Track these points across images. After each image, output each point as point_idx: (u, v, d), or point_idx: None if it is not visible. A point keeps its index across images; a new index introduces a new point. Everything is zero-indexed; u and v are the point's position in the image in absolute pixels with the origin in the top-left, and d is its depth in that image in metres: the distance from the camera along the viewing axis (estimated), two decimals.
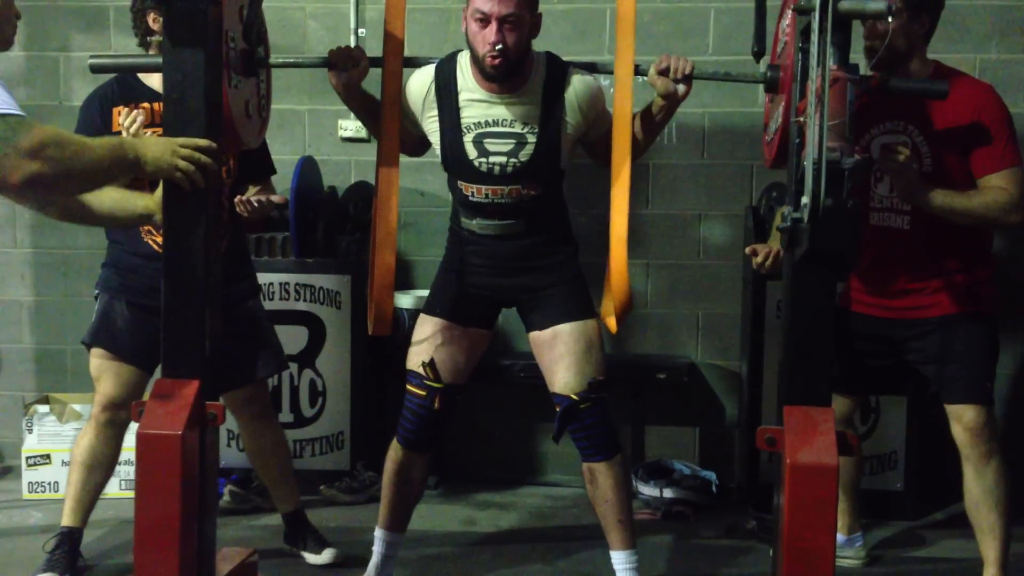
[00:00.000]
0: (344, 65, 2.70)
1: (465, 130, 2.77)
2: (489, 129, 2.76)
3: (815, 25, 2.17)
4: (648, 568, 3.05)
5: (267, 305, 3.59)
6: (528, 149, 2.75)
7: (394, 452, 2.92)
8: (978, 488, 2.86)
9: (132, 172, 2.28)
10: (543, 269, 2.87)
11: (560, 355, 2.82)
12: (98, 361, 3.12)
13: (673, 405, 4.18)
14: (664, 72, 2.66)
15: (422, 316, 2.94)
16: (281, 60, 2.87)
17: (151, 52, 3.10)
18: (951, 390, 2.90)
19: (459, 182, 2.84)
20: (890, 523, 3.70)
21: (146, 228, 3.08)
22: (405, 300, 3.94)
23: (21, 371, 4.41)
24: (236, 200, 3.12)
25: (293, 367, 3.91)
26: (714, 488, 3.96)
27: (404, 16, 2.73)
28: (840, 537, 3.11)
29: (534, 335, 2.89)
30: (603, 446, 2.83)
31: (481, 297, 2.90)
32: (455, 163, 2.81)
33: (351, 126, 4.24)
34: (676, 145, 4.16)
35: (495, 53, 2.64)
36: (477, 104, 2.76)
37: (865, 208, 2.90)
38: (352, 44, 4.14)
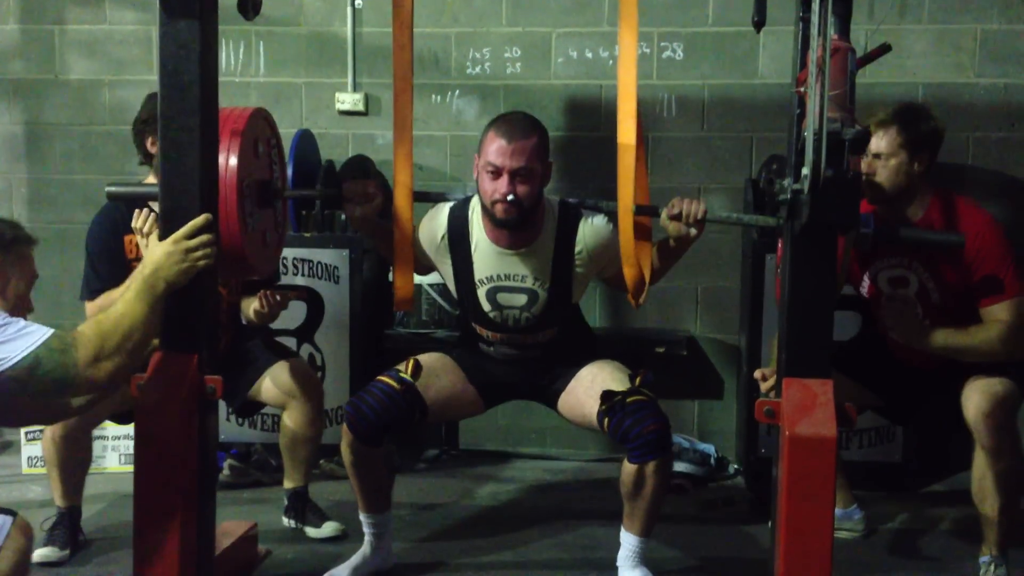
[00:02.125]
0: (359, 200, 2.73)
1: (478, 284, 2.81)
2: (502, 283, 2.80)
3: None
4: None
5: None
6: (541, 303, 2.81)
7: (346, 442, 2.82)
8: (983, 472, 2.79)
9: (165, 297, 2.34)
10: (563, 370, 2.91)
11: (588, 385, 2.83)
12: None
13: (672, 378, 4.17)
14: (676, 217, 2.66)
15: (436, 352, 2.96)
16: (297, 193, 2.93)
17: (151, 177, 3.14)
18: (970, 372, 2.82)
19: (474, 323, 2.89)
20: (889, 495, 3.71)
21: (133, 241, 3.09)
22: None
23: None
24: (259, 294, 3.12)
25: (292, 342, 3.90)
26: (713, 461, 3.97)
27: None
28: (837, 510, 3.10)
29: (561, 400, 2.91)
30: (654, 443, 2.67)
31: (497, 380, 2.95)
32: (469, 310, 2.87)
33: (348, 99, 4.22)
34: (676, 117, 4.14)
35: (507, 204, 2.66)
36: (489, 257, 2.79)
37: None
38: (348, 16, 4.12)
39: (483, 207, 2.74)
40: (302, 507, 3.30)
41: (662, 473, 2.73)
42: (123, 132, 4.12)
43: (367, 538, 2.94)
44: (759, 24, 2.61)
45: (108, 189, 2.74)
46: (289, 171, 3.80)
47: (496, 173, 2.66)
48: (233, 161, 2.51)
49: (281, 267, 3.95)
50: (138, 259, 3.03)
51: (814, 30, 2.16)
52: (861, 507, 3.32)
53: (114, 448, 3.94)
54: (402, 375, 2.82)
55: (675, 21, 4.06)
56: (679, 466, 3.86)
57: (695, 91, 4.10)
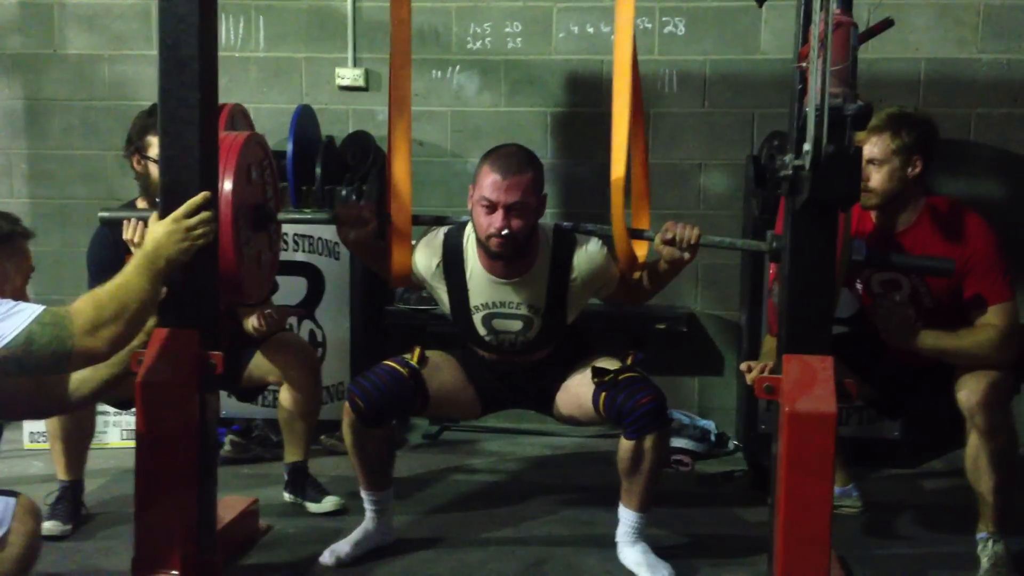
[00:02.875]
0: (353, 224, 2.74)
1: (474, 310, 2.83)
2: (497, 310, 2.82)
3: None
4: (646, 516, 3.06)
5: None
6: (536, 328, 2.83)
7: (348, 421, 2.83)
8: (976, 453, 2.79)
9: (166, 275, 2.35)
10: (558, 373, 2.93)
11: (580, 379, 2.85)
12: None
13: (672, 355, 4.18)
14: (670, 242, 2.66)
15: (440, 350, 2.99)
16: (289, 217, 3.03)
17: (141, 201, 3.23)
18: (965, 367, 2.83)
19: (470, 344, 2.92)
20: (887, 471, 3.72)
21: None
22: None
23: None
24: (257, 314, 3.14)
25: (292, 319, 3.90)
26: (713, 437, 3.98)
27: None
28: (836, 488, 3.11)
29: (557, 399, 2.93)
30: (653, 414, 2.70)
31: (497, 388, 2.97)
32: (465, 334, 2.89)
33: (348, 75, 4.20)
34: (677, 93, 4.13)
35: (500, 238, 2.66)
36: (484, 285, 2.80)
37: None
38: None
39: (477, 238, 2.75)
40: (303, 482, 3.32)
41: (659, 447, 2.75)
42: (123, 107, 4.12)
43: (368, 514, 2.96)
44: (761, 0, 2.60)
45: (101, 215, 2.84)
46: (289, 147, 3.80)
47: (491, 208, 2.67)
48: (227, 189, 2.54)
49: (281, 243, 3.95)
50: None
51: (816, 5, 2.15)
52: (860, 484, 3.33)
53: (116, 424, 3.95)
54: (409, 361, 2.85)
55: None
56: (679, 442, 3.87)
57: (697, 66, 4.09)
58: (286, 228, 3.94)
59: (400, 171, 2.71)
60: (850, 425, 3.72)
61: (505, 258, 2.73)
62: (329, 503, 3.27)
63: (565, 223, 2.88)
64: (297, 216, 3.55)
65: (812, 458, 2.31)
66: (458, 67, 4.19)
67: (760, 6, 2.64)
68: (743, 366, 2.75)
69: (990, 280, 2.80)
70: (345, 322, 3.98)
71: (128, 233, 2.91)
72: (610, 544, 2.89)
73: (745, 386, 3.74)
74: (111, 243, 3.12)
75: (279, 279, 3.39)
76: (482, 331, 2.85)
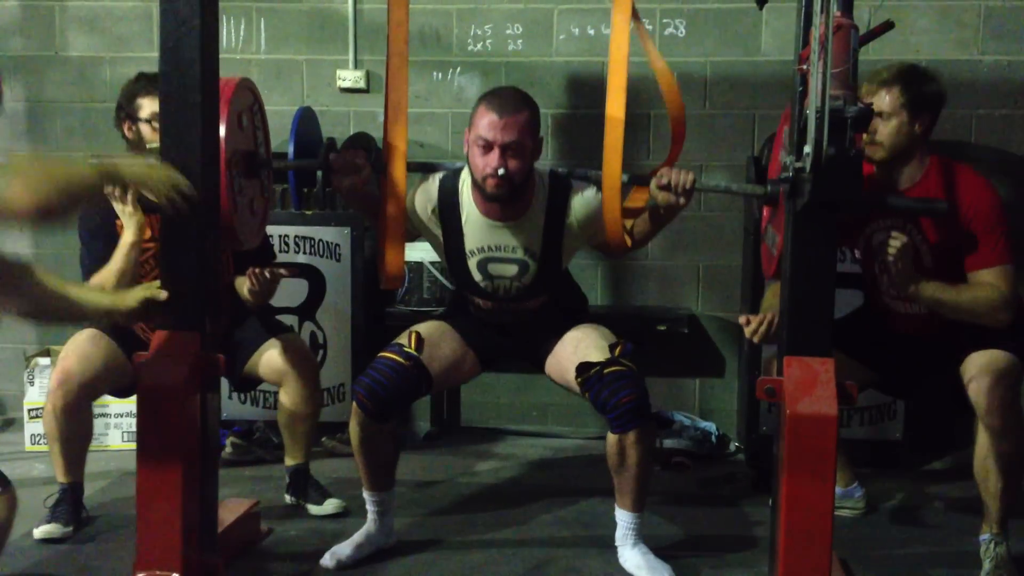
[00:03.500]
0: (347, 171, 2.72)
1: (469, 254, 2.82)
2: (492, 254, 2.81)
3: None
4: (647, 518, 3.06)
5: None
6: (531, 273, 2.82)
7: (355, 420, 2.84)
8: (985, 450, 2.78)
9: (107, 179, 2.27)
10: (553, 329, 2.93)
11: (571, 352, 2.85)
12: (84, 335, 3.13)
13: (673, 356, 4.18)
14: (665, 187, 2.65)
15: (433, 321, 2.99)
16: (283, 164, 2.97)
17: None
18: (967, 345, 2.81)
19: (465, 291, 2.92)
20: (890, 473, 3.72)
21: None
22: (409, 253, 3.93)
23: (22, 324, 4.40)
24: (248, 272, 3.11)
25: (293, 320, 3.91)
26: (714, 439, 3.97)
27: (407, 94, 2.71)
28: (838, 489, 3.09)
29: (547, 363, 2.94)
30: (633, 412, 2.70)
31: (490, 341, 2.97)
32: (460, 280, 2.89)
33: (350, 76, 4.21)
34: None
35: (497, 178, 2.66)
36: (480, 229, 2.80)
37: (877, 293, 2.96)
38: None
39: (474, 181, 2.75)
40: (304, 484, 3.32)
41: (644, 443, 2.75)
42: None
43: (370, 515, 2.96)
44: (762, 2, 2.60)
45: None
46: (290, 149, 3.80)
47: (487, 147, 2.67)
48: (220, 136, 2.51)
49: (283, 245, 3.96)
50: None
51: (817, 7, 2.15)
52: (862, 485, 3.33)
53: (116, 425, 3.95)
54: (407, 350, 2.84)
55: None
56: (680, 444, 3.87)
57: (697, 68, 4.08)
58: (287, 231, 3.96)
59: (395, 173, 2.70)
60: (851, 427, 3.72)
61: (501, 200, 2.72)
62: (331, 505, 3.26)
63: (560, 169, 2.88)
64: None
65: (813, 460, 2.31)
66: (459, 69, 4.19)
67: (760, 8, 2.64)
68: (742, 319, 2.77)
69: (992, 241, 2.78)
70: (346, 324, 3.98)
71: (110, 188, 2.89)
72: (611, 545, 2.89)
73: (746, 388, 3.76)
74: (101, 210, 3.10)
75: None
76: (477, 276, 2.84)
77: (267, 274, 3.09)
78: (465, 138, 2.75)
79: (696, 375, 4.25)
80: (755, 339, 2.77)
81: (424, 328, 2.93)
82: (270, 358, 3.22)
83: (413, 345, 2.84)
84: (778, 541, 2.38)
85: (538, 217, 2.79)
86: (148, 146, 3.07)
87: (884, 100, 2.82)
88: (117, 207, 2.99)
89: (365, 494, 2.96)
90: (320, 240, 3.96)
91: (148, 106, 3.15)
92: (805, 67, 2.25)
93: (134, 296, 2.41)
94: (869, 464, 3.62)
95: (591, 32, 4.11)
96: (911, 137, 2.84)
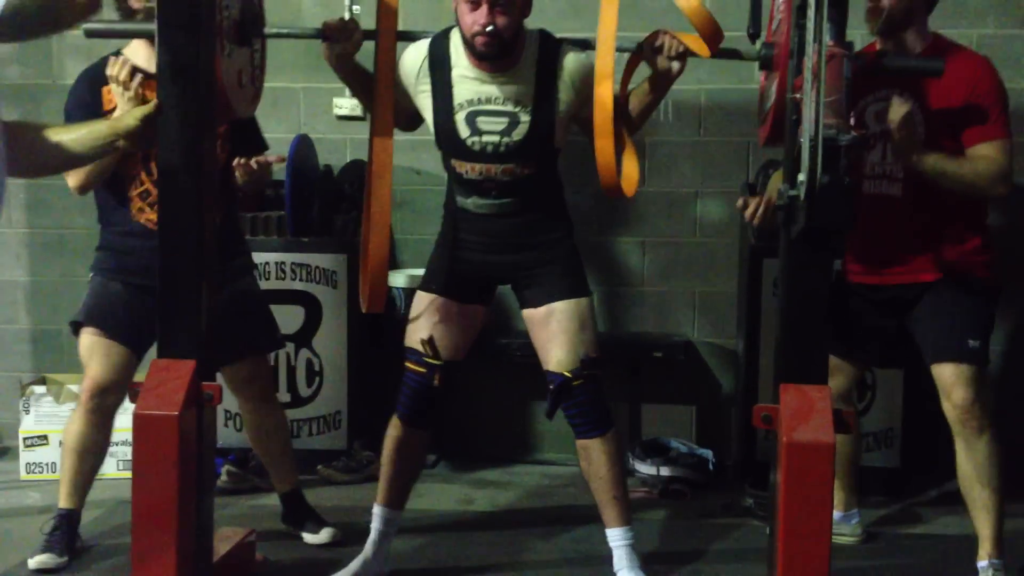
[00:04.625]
0: (338, 37, 2.69)
1: (457, 108, 2.75)
2: (481, 107, 2.74)
3: (811, 1, 2.16)
4: (645, 545, 3.05)
5: (263, 285, 3.58)
6: (521, 128, 2.74)
7: (394, 428, 2.93)
8: (969, 464, 2.86)
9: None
10: (538, 247, 2.87)
11: (553, 333, 2.83)
12: (89, 341, 3.10)
13: (670, 383, 4.18)
14: (659, 50, 2.64)
15: (419, 293, 2.94)
16: (275, 31, 2.85)
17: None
18: (934, 348, 2.91)
19: (452, 160, 2.83)
20: (887, 500, 3.71)
21: (137, 206, 3.07)
22: (399, 279, 3.94)
23: (17, 352, 4.40)
24: (235, 163, 3.08)
25: (290, 347, 3.90)
26: (711, 466, 3.96)
27: None
28: (837, 514, 3.10)
29: (528, 312, 2.90)
30: (596, 422, 2.85)
31: (476, 274, 2.91)
32: (447, 141, 2.80)
33: (346, 104, 4.22)
34: (672, 122, 4.14)
35: (486, 35, 2.63)
36: (469, 82, 2.74)
37: (858, 177, 2.89)
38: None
39: (463, 39, 2.71)
40: (299, 512, 3.31)
41: (608, 450, 2.85)
42: None
43: (372, 536, 2.95)
44: (754, 36, 2.63)
45: (85, 27, 2.62)
46: (287, 176, 3.81)
47: (475, 3, 2.63)
48: None
49: (279, 271, 3.96)
50: (113, 111, 2.94)
51: (809, 37, 2.17)
52: (860, 512, 3.31)
53: (112, 454, 3.91)
54: (427, 360, 2.86)
55: (672, 26, 4.05)
56: (677, 471, 3.86)
57: (692, 96, 4.11)
58: (283, 257, 3.96)
59: (379, 202, 2.69)
60: None
61: (491, 58, 2.69)
62: (326, 534, 3.25)
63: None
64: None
65: (810, 487, 2.30)
66: None
67: (753, 42, 2.66)
68: (739, 202, 2.86)
69: (992, 116, 2.80)
70: (343, 351, 3.98)
71: (112, 69, 2.86)
72: (609, 573, 2.88)
73: (744, 415, 3.76)
74: (90, 80, 3.07)
75: (274, 307, 3.39)
76: (464, 132, 2.76)
77: (254, 164, 3.07)
78: None
79: (693, 402, 4.25)
80: (754, 221, 2.86)
81: (424, 320, 2.88)
82: (231, 378, 3.19)
83: (431, 353, 2.86)
84: (776, 569, 2.37)
85: (528, 70, 2.73)
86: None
87: None
88: (117, 91, 2.88)
89: (376, 510, 2.96)
90: (316, 267, 3.97)
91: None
92: (799, 96, 2.26)
93: (133, 116, 2.35)
94: (867, 491, 3.61)
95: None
96: (912, 6, 2.84)
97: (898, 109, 2.71)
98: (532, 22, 2.79)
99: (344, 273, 3.96)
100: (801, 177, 2.20)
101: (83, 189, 3.08)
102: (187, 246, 2.42)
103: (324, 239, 3.99)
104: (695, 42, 2.67)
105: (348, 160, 4.20)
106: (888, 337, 3.10)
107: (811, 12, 2.16)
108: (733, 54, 2.78)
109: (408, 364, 2.90)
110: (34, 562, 3.02)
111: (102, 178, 3.04)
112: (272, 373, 3.42)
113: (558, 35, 2.83)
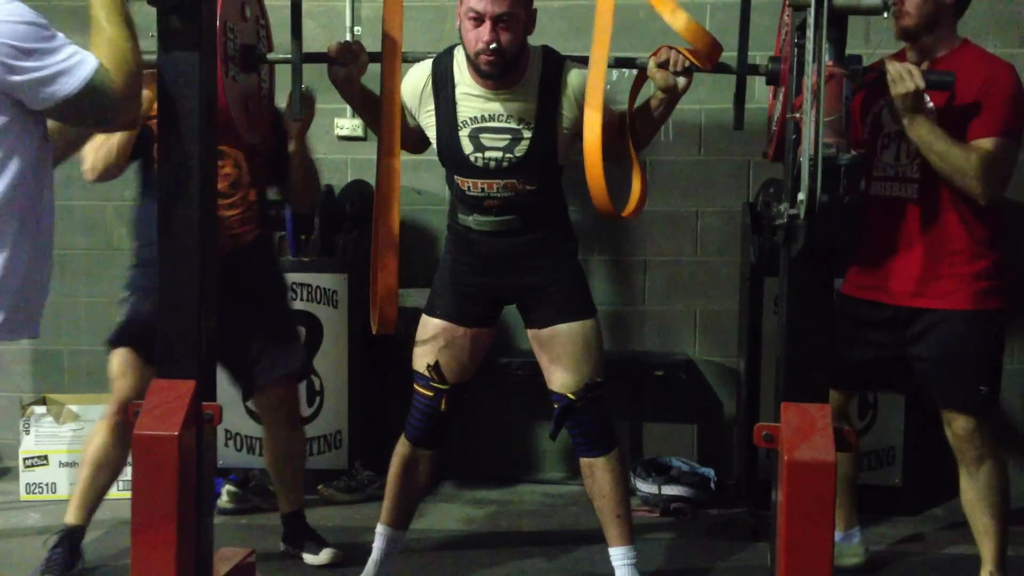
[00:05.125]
0: (344, 59, 2.70)
1: (461, 125, 2.76)
2: (485, 124, 2.75)
3: (811, 21, 2.16)
4: (647, 565, 3.04)
5: None
6: (524, 145, 2.74)
7: (402, 447, 2.94)
8: (972, 491, 2.85)
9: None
10: (542, 268, 2.86)
11: (558, 355, 2.82)
12: (121, 361, 3.11)
13: (671, 402, 4.18)
14: (664, 65, 2.63)
15: (424, 317, 2.94)
16: (281, 57, 2.85)
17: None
18: (943, 394, 2.87)
19: (455, 176, 2.83)
20: (889, 519, 3.70)
21: None
22: (405, 300, 3.94)
23: (18, 372, 4.39)
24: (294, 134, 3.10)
25: None
26: (712, 485, 3.95)
27: (402, 13, 2.70)
28: (838, 534, 3.06)
29: (533, 332, 2.89)
30: (600, 442, 2.85)
31: (481, 296, 2.91)
32: (451, 158, 2.80)
33: (347, 125, 4.23)
34: (673, 141, 4.15)
35: (489, 52, 2.63)
36: (473, 99, 2.75)
37: (867, 177, 2.81)
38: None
39: (467, 57, 2.71)
40: (299, 533, 3.30)
41: (612, 469, 2.85)
42: None
43: (374, 556, 2.95)
44: (738, 126, 2.66)
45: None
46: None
47: (478, 20, 2.62)
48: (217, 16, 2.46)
49: None
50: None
51: (808, 56, 2.17)
52: (863, 531, 3.29)
53: None
54: (434, 384, 2.86)
55: (671, 44, 4.09)
56: (678, 490, 3.85)
57: (692, 115, 4.12)
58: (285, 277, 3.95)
59: (387, 225, 2.66)
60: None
61: (494, 76, 2.69)
62: (326, 555, 3.24)
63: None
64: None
65: (812, 506, 2.29)
66: None
67: (768, 84, 2.66)
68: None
69: (1000, 115, 2.73)
70: (344, 371, 3.97)
71: None
72: None
73: (745, 433, 3.75)
74: None
75: None
76: (468, 148, 2.75)
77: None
78: (456, 12, 2.71)
79: (694, 420, 4.24)
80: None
81: (431, 348, 2.89)
82: (259, 404, 3.23)
83: (437, 376, 2.86)
84: None
85: (532, 87, 2.73)
86: None
87: None
88: None
89: (379, 529, 2.96)
90: (317, 287, 3.97)
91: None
92: (798, 115, 2.27)
93: None
94: (868, 510, 3.60)
95: None
96: (939, 5, 2.78)
97: (897, 66, 2.62)
98: (531, 41, 2.80)
99: (345, 293, 3.96)
100: (801, 196, 2.20)
101: (96, 174, 3.07)
102: (187, 266, 2.42)
103: (325, 259, 3.99)
104: (695, 58, 2.66)
105: (349, 180, 4.20)
106: (882, 364, 2.98)
107: (810, 32, 2.17)
108: (735, 70, 2.75)
109: (416, 387, 2.90)
110: None
111: (118, 168, 3.05)
112: (299, 399, 3.41)
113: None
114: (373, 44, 2.75)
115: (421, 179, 4.17)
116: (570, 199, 3.02)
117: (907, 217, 2.84)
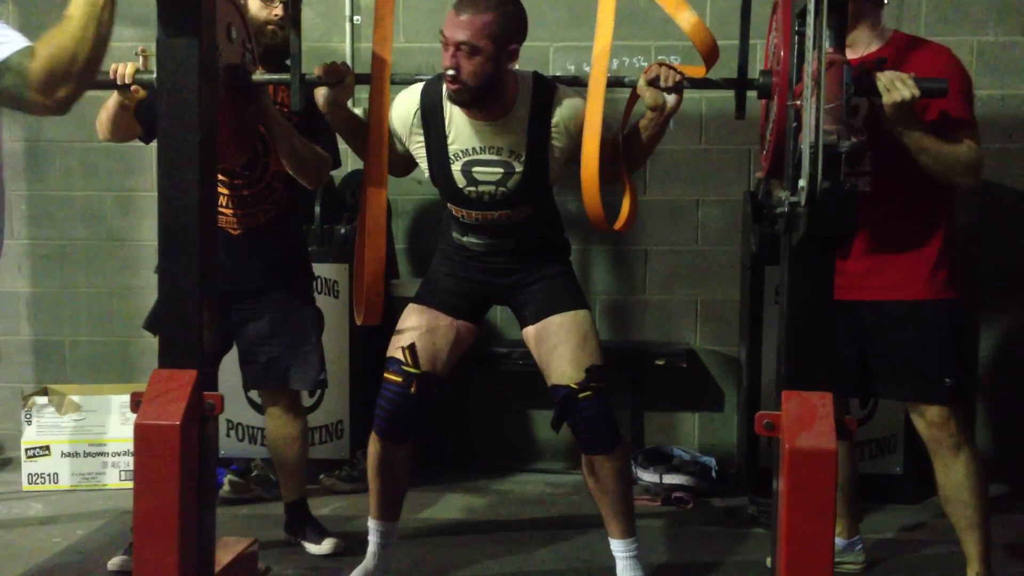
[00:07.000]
0: (331, 81, 2.66)
1: (453, 158, 2.75)
2: (476, 157, 2.73)
3: (811, 7, 2.16)
4: (648, 553, 3.04)
5: None
6: (516, 178, 2.74)
7: (372, 444, 2.89)
8: (950, 483, 2.78)
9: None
10: (534, 269, 2.87)
11: (554, 346, 2.81)
12: None
13: (672, 391, 4.18)
14: (653, 82, 2.59)
15: (410, 305, 2.93)
16: (267, 77, 2.82)
17: None
18: (908, 387, 2.81)
19: (449, 204, 2.84)
20: (889, 507, 3.70)
21: None
22: (399, 290, 3.94)
23: (19, 363, 4.40)
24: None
25: None
26: (713, 474, 3.96)
27: (391, 40, 2.68)
28: (840, 541, 3.02)
29: (528, 330, 2.88)
30: (603, 438, 2.79)
31: (472, 291, 2.91)
32: (444, 189, 2.81)
33: None
34: (673, 131, 4.11)
35: (449, 79, 2.61)
36: (463, 131, 2.73)
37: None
38: (347, 32, 4.13)
39: None
40: (301, 522, 3.30)
41: (615, 466, 2.80)
42: (122, 149, 4.13)
43: (371, 548, 2.94)
44: (741, 96, 2.64)
45: None
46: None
47: (444, 45, 2.60)
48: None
49: None
50: None
51: (809, 44, 2.17)
52: (863, 539, 3.22)
53: (114, 464, 3.94)
54: (405, 368, 2.81)
55: (672, 34, 4.03)
56: (680, 479, 3.86)
57: (693, 104, 4.11)
58: None
59: (374, 216, 2.65)
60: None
61: (462, 105, 2.65)
62: (328, 544, 3.25)
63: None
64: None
65: (813, 495, 2.29)
66: None
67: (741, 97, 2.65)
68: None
69: (964, 108, 2.72)
70: (344, 360, 3.97)
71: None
72: None
73: (746, 422, 3.75)
74: None
75: None
76: (461, 182, 2.75)
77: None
78: None
79: (695, 409, 4.25)
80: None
81: (410, 331, 2.86)
82: (266, 398, 3.24)
83: (410, 360, 2.81)
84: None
85: (522, 117, 2.69)
86: None
87: None
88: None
89: (371, 523, 2.95)
90: (318, 277, 3.96)
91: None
92: (799, 103, 2.26)
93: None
94: (869, 498, 3.60)
95: (586, 69, 4.11)
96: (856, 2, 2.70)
97: (888, 74, 2.56)
98: (532, 31, 2.78)
99: (345, 283, 3.96)
100: (802, 184, 2.20)
101: (106, 135, 3.02)
102: (189, 255, 2.42)
103: (325, 249, 3.99)
104: (690, 69, 2.66)
105: (349, 170, 4.20)
106: (850, 369, 2.88)
107: (810, 19, 2.16)
108: (724, 85, 2.74)
109: (386, 375, 2.84)
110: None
111: (131, 131, 3.01)
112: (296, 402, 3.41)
113: (558, 45, 2.84)
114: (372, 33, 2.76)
115: (420, 170, 4.16)
116: (566, 193, 3.01)
117: (865, 207, 2.80)
